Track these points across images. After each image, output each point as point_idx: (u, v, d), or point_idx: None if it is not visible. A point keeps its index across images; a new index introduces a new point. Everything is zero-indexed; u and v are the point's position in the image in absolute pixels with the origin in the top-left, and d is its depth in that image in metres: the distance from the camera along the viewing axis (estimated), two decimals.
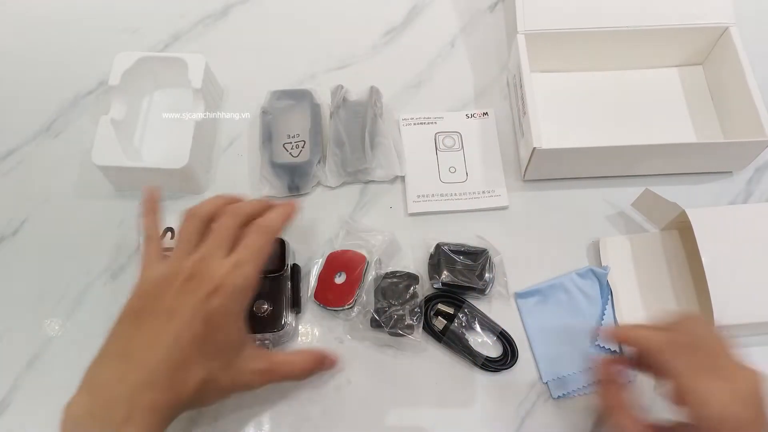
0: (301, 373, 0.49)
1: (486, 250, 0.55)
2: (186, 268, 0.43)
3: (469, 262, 0.54)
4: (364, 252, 0.55)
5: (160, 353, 0.41)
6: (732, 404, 0.39)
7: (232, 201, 0.49)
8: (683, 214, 0.52)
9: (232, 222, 0.46)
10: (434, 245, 0.55)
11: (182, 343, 0.41)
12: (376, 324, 0.52)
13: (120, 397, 0.40)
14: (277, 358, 0.48)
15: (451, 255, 0.54)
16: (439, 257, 0.55)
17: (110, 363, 0.42)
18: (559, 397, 0.51)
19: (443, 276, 0.54)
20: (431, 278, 0.54)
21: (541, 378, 0.52)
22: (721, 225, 0.52)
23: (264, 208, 0.48)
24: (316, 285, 0.54)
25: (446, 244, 0.55)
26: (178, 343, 0.41)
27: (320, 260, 0.56)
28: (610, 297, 0.54)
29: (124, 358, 0.42)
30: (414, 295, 0.53)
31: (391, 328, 0.51)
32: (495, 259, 0.55)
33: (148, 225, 0.49)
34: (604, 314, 0.54)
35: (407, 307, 0.52)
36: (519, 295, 0.55)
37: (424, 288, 0.55)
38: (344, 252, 0.55)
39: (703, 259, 0.50)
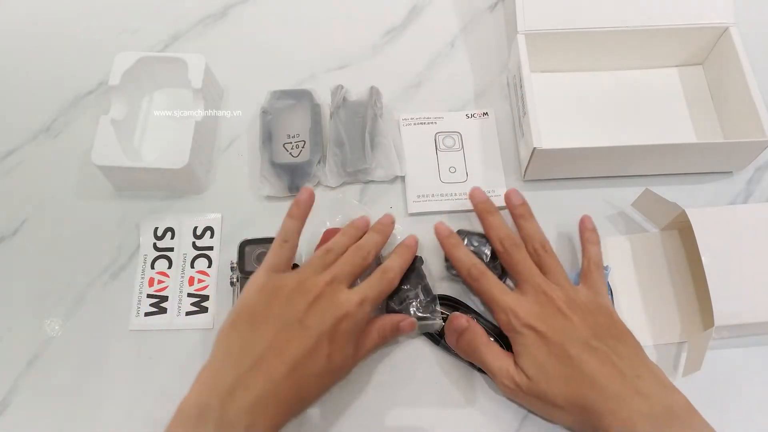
0: (376, 346, 0.50)
1: None
2: (318, 286, 0.46)
3: (486, 252, 0.54)
4: None
5: (286, 365, 0.43)
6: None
7: (363, 230, 0.53)
8: (683, 214, 0.52)
9: (359, 261, 0.50)
10: (455, 231, 0.55)
11: (309, 358, 0.43)
12: (390, 311, 0.52)
13: (244, 404, 0.40)
14: (370, 333, 0.49)
15: (470, 241, 0.54)
16: None
17: (233, 366, 0.42)
18: None
19: None
20: (447, 260, 0.54)
21: None
22: (721, 225, 0.52)
23: (386, 236, 0.53)
24: None
25: (467, 231, 0.55)
26: (306, 358, 0.43)
27: (317, 241, 0.55)
28: (610, 297, 0.54)
29: (248, 363, 0.42)
30: (421, 276, 0.53)
31: (406, 311, 0.51)
32: None
33: (289, 228, 0.50)
34: None
35: (418, 288, 0.52)
36: None
37: (433, 278, 0.55)
38: (339, 230, 0.55)
39: (703, 258, 0.50)
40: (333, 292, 0.47)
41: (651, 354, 0.52)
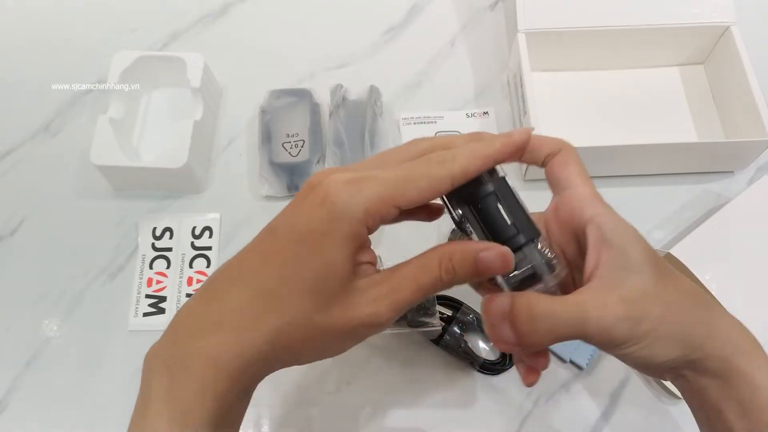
0: (436, 281, 0.32)
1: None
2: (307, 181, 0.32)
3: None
4: None
5: (240, 285, 0.31)
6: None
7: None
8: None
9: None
10: None
11: (267, 270, 0.31)
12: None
13: (184, 339, 0.32)
14: (398, 272, 0.32)
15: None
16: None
17: (195, 298, 0.33)
18: (588, 364, 0.51)
19: None
20: (452, 233, 0.53)
21: (564, 362, 0.52)
22: (708, 249, 0.51)
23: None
24: None
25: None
26: (262, 271, 0.31)
27: None
28: None
29: (207, 292, 0.33)
30: None
31: (410, 320, 0.51)
32: None
33: None
34: None
35: None
36: None
37: None
38: None
39: (712, 291, 0.49)
40: (320, 179, 0.31)
41: None
